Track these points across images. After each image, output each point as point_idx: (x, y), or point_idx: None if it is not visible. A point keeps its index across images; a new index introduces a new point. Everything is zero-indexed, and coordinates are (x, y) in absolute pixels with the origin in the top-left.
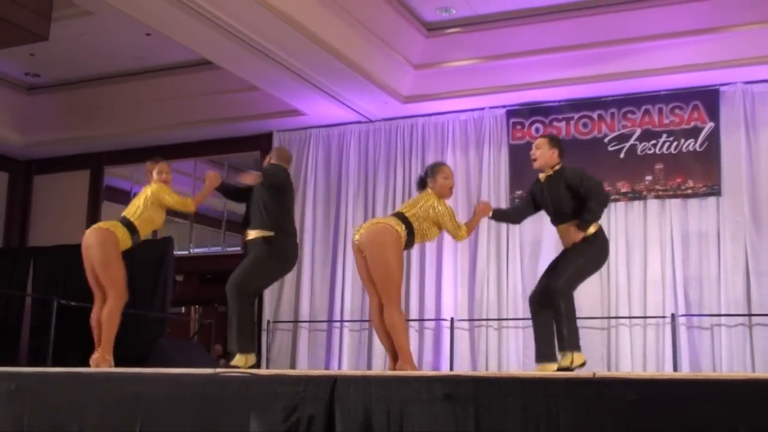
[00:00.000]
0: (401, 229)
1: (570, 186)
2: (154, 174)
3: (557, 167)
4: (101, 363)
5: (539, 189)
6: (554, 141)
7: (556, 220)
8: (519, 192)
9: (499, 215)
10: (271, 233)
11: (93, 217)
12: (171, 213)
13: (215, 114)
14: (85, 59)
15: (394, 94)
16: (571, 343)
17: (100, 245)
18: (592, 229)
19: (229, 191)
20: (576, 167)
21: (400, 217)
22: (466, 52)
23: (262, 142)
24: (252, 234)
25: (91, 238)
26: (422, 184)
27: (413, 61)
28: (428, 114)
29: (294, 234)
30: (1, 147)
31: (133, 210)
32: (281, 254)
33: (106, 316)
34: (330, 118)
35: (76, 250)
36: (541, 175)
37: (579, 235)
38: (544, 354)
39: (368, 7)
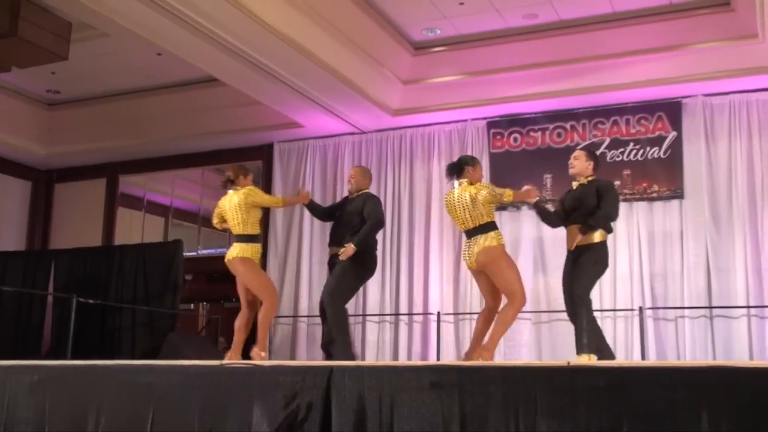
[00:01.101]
0: (499, 237)
1: (599, 195)
2: (248, 179)
3: (590, 178)
4: (255, 357)
5: (569, 195)
6: (591, 154)
7: (571, 221)
8: None
9: (540, 208)
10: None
11: (109, 221)
12: (179, 218)
13: (221, 126)
14: (102, 77)
15: (384, 107)
16: (590, 347)
17: (246, 270)
18: (599, 238)
19: (317, 211)
20: (608, 181)
21: (488, 227)
22: (450, 68)
23: (264, 152)
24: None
25: (238, 267)
26: (460, 171)
27: (402, 78)
28: (416, 125)
29: (375, 248)
30: (24, 158)
31: (237, 224)
32: (366, 266)
33: (260, 317)
34: (326, 129)
35: (93, 252)
36: (575, 183)
37: (586, 238)
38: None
39: (361, 28)
